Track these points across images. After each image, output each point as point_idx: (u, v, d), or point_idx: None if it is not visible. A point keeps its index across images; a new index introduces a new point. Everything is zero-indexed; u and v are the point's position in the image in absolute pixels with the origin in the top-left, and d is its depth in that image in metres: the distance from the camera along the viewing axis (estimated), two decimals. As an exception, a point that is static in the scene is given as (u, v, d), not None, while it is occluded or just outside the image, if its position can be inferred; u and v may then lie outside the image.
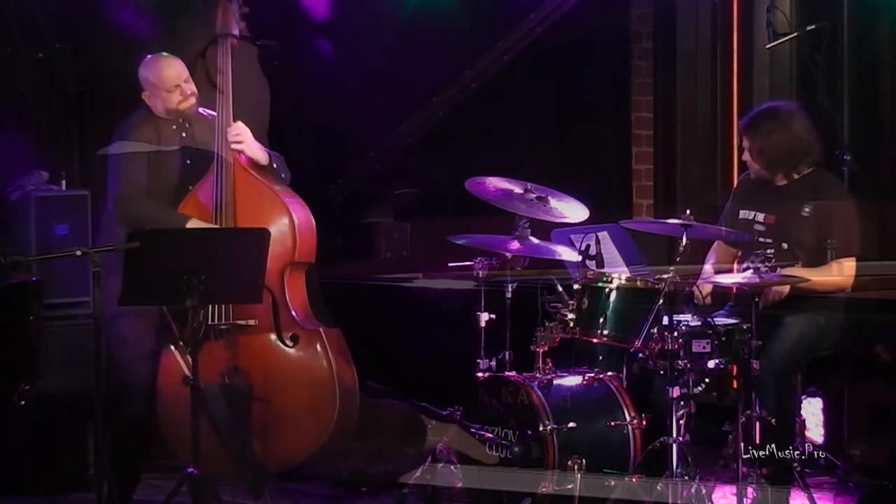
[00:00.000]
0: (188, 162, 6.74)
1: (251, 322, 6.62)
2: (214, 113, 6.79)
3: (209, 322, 6.52)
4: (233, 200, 6.67)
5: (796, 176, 6.91)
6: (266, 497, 6.64)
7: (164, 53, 6.81)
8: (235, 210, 6.66)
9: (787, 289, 6.68)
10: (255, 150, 6.76)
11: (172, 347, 6.54)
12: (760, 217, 6.92)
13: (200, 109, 6.84)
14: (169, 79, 6.72)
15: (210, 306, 6.51)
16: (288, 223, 6.66)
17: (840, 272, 6.76)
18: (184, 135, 6.77)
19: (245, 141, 6.72)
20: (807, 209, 6.83)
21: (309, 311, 6.75)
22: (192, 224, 6.61)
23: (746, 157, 6.97)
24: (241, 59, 8.09)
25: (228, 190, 6.66)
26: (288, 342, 6.63)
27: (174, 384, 6.48)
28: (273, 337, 6.63)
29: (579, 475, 6.32)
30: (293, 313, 6.65)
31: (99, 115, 8.02)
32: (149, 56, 6.81)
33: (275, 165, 6.83)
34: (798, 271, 6.69)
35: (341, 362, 6.66)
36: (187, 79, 6.76)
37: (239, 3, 6.81)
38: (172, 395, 6.53)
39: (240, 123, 6.74)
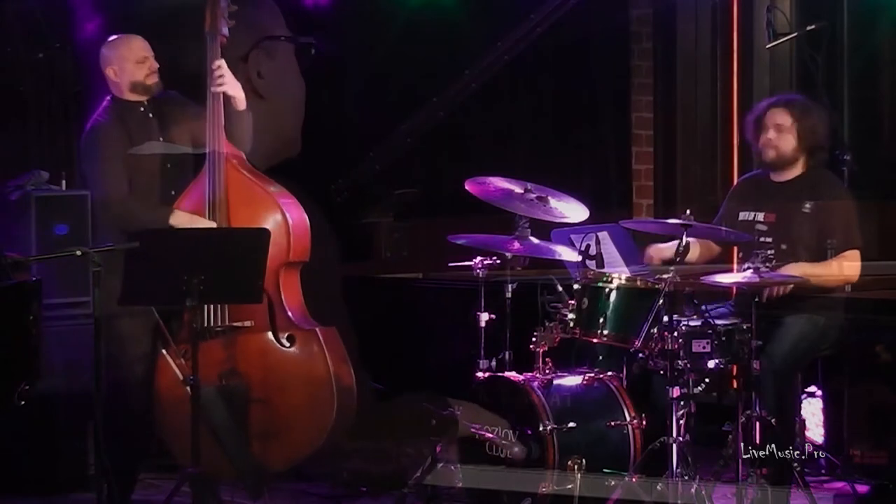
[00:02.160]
0: (168, 157, 6.72)
1: (247, 323, 6.62)
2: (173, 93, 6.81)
3: (205, 324, 6.51)
4: (226, 200, 6.66)
5: (802, 170, 6.91)
6: (266, 497, 6.64)
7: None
8: (229, 209, 6.65)
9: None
10: (235, 90, 6.72)
11: (164, 352, 6.54)
12: (760, 217, 6.93)
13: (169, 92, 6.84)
14: (138, 49, 6.72)
15: (206, 308, 6.51)
16: (282, 223, 6.64)
17: (844, 267, 6.76)
18: (151, 115, 6.75)
19: (226, 82, 6.69)
20: (807, 206, 6.84)
21: (305, 311, 6.74)
22: (176, 216, 6.59)
23: (774, 136, 6.90)
24: (281, 59, 8.13)
25: (222, 189, 6.65)
26: (284, 342, 6.63)
27: (171, 386, 6.49)
28: (270, 337, 6.63)
29: (579, 475, 6.32)
30: (289, 313, 6.65)
31: (87, 113, 8.01)
32: (111, 38, 6.81)
33: (249, 113, 6.78)
34: (802, 266, 6.69)
35: (338, 361, 6.66)
36: (153, 55, 6.74)
37: (228, 2, 6.79)
38: (170, 397, 6.54)
39: (222, 61, 6.70)
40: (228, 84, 6.69)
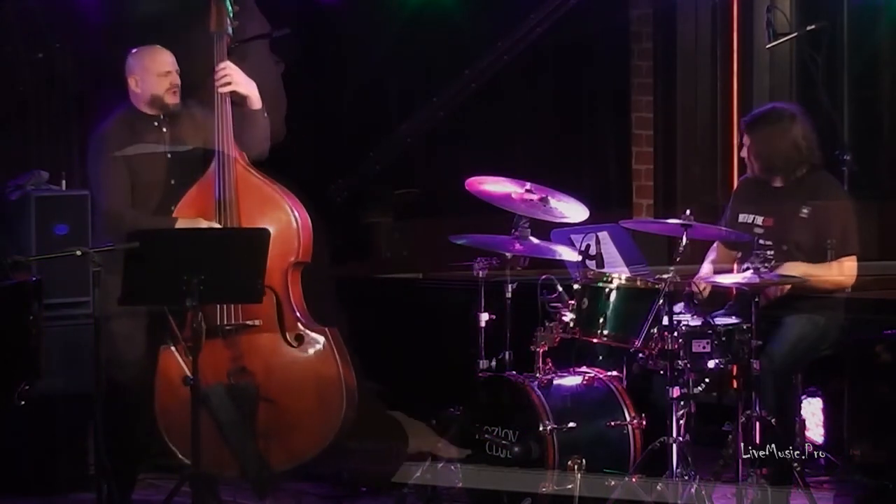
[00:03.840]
0: (173, 161, 6.71)
1: (257, 322, 6.62)
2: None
3: (215, 322, 6.52)
4: (236, 199, 6.66)
5: (794, 178, 6.91)
6: (269, 497, 6.64)
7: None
8: (239, 210, 6.65)
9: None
10: (248, 89, 6.70)
11: (173, 347, 6.55)
12: (759, 220, 6.92)
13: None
14: (163, 63, 6.68)
15: (217, 306, 6.51)
16: (292, 223, 6.66)
17: (841, 271, 6.76)
18: (164, 130, 6.73)
19: (234, 80, 6.67)
20: (805, 210, 6.83)
21: (308, 311, 6.75)
22: (181, 225, 6.58)
23: (745, 153, 6.97)
24: (253, 58, 8.08)
25: (231, 188, 6.65)
26: (293, 342, 6.64)
27: (174, 384, 6.49)
28: (278, 337, 6.64)
29: (579, 475, 6.32)
30: (297, 313, 6.66)
31: (99, 116, 8.01)
32: (136, 49, 6.76)
33: (265, 115, 6.76)
34: (800, 265, 6.69)
35: (345, 362, 6.68)
36: (178, 71, 6.71)
37: (231, 0, 6.78)
38: (173, 395, 6.54)
39: (228, 62, 6.69)
40: (237, 83, 6.67)
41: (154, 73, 6.67)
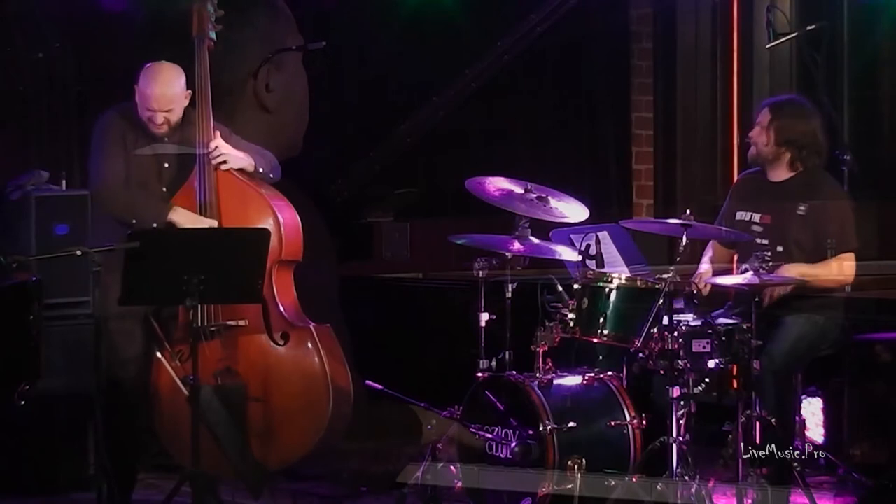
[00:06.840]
0: (172, 160, 6.72)
1: (241, 322, 6.62)
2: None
3: (200, 323, 6.51)
4: (216, 201, 6.67)
5: (796, 171, 6.90)
6: (266, 497, 6.64)
7: (166, 62, 6.69)
8: (220, 211, 6.66)
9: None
10: (239, 161, 6.72)
11: (159, 354, 6.54)
12: (756, 218, 6.92)
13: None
14: (150, 98, 6.60)
15: (200, 307, 6.50)
16: (273, 224, 6.66)
17: (840, 269, 6.76)
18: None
19: (227, 158, 6.69)
20: (802, 208, 6.83)
21: (299, 309, 6.76)
22: (177, 213, 6.59)
23: (756, 132, 6.92)
24: (289, 68, 8.12)
25: (212, 190, 6.66)
26: (279, 341, 6.64)
27: (167, 388, 6.50)
28: (264, 336, 6.64)
29: (579, 475, 6.32)
30: (282, 312, 6.66)
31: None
32: (150, 64, 6.70)
33: (261, 170, 6.80)
34: (799, 267, 6.69)
35: (334, 359, 6.68)
36: (170, 110, 6.63)
37: (214, 5, 6.77)
38: (167, 399, 6.55)
39: (218, 140, 6.69)
40: (231, 162, 6.69)
41: (143, 106, 6.64)
